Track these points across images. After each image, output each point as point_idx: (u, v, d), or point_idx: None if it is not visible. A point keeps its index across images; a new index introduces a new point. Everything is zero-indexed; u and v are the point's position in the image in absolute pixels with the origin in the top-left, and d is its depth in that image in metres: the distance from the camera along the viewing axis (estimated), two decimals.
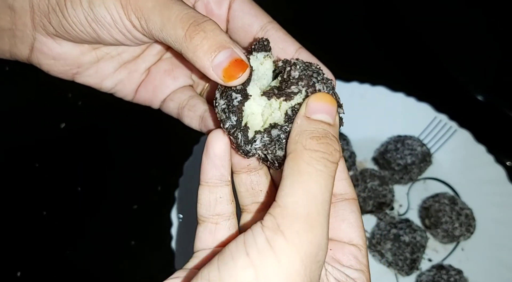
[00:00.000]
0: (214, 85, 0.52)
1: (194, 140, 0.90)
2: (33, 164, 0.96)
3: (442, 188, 0.92)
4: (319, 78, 0.40)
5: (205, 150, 0.42)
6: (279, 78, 0.41)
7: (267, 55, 0.43)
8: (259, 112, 0.41)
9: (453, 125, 0.95)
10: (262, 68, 0.43)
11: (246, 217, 0.45)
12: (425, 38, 1.05)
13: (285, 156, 0.39)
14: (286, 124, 0.39)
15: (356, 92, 0.97)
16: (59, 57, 0.48)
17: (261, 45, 0.43)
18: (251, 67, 0.41)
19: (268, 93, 0.40)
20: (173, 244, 0.80)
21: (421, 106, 0.97)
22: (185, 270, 0.40)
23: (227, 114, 0.40)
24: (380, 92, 0.98)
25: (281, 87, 0.40)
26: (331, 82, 0.40)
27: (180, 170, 0.87)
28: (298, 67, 0.40)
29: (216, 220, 0.43)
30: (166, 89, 0.52)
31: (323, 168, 0.33)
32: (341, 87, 0.89)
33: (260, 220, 0.33)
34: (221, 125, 0.40)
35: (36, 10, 0.45)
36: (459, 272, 0.81)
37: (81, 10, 0.42)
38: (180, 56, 0.42)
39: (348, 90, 0.97)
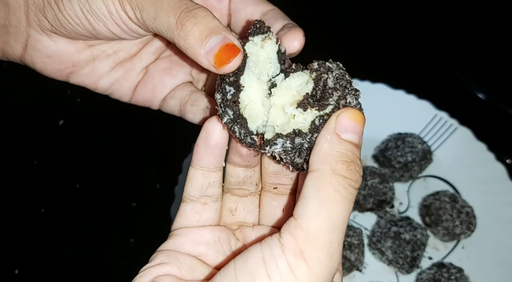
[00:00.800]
0: (213, 77, 0.52)
1: (193, 138, 0.89)
2: (31, 161, 0.95)
3: (443, 186, 0.92)
4: (350, 89, 0.38)
5: (204, 138, 0.42)
6: (312, 81, 0.39)
7: (266, 36, 0.41)
8: (258, 100, 0.40)
9: (454, 123, 0.95)
10: (264, 52, 0.41)
11: (229, 199, 0.46)
12: (425, 38, 1.05)
13: (302, 165, 0.38)
14: (311, 133, 0.38)
15: None
16: (54, 55, 0.47)
17: (255, 28, 0.41)
18: (245, 53, 0.40)
19: (303, 104, 0.39)
20: None
21: (421, 104, 0.96)
22: (163, 252, 0.40)
23: (223, 109, 0.39)
24: (381, 90, 0.98)
25: (315, 95, 0.39)
26: (358, 94, 0.39)
27: (179, 168, 0.87)
28: (334, 74, 0.38)
29: (205, 201, 0.43)
30: (165, 87, 0.52)
31: (349, 195, 0.33)
32: None
33: (278, 237, 0.33)
34: (220, 119, 0.40)
35: (30, 4, 0.44)
36: (460, 270, 0.80)
37: (76, 2, 0.42)
38: (180, 53, 0.42)
39: None
